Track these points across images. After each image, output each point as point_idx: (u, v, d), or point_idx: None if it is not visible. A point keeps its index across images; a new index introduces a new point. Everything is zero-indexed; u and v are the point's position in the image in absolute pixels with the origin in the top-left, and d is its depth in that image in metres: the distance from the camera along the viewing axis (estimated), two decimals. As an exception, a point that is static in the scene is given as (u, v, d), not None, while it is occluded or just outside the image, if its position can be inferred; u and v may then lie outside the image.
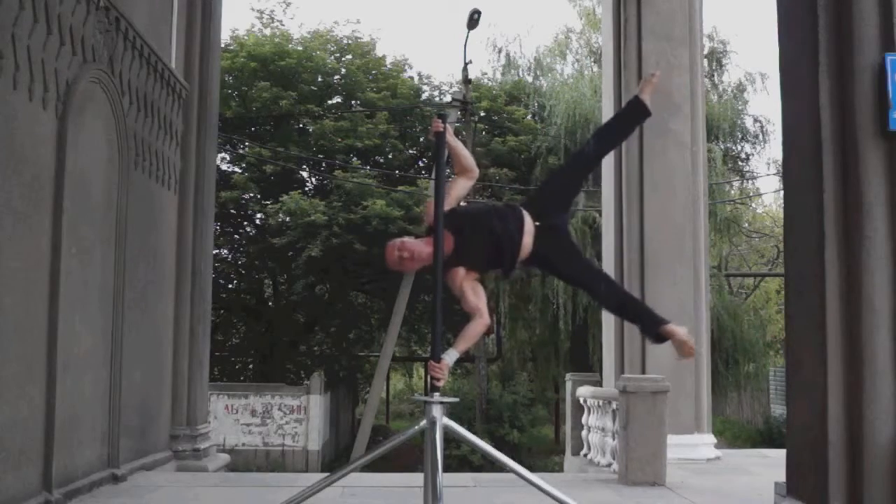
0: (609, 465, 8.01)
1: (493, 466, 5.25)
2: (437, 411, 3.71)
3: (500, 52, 22.75)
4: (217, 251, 19.11)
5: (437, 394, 3.78)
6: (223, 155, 19.75)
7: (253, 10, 36.24)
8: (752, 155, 23.19)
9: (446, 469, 4.84)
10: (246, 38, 20.77)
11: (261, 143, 19.70)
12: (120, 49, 6.79)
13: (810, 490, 4.40)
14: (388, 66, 21.48)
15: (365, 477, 7.37)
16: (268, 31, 21.18)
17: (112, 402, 6.60)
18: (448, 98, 19.88)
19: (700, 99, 9.59)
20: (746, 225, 26.15)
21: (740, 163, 23.31)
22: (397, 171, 20.64)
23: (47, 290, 5.48)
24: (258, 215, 20.38)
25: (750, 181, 24.96)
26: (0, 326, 4.89)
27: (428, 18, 60.92)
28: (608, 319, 9.63)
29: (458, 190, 4.22)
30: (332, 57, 21.14)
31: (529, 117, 21.53)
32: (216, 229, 15.58)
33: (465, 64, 17.92)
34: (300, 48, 20.59)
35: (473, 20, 16.83)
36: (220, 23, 9.30)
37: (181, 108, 8.39)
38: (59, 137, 5.66)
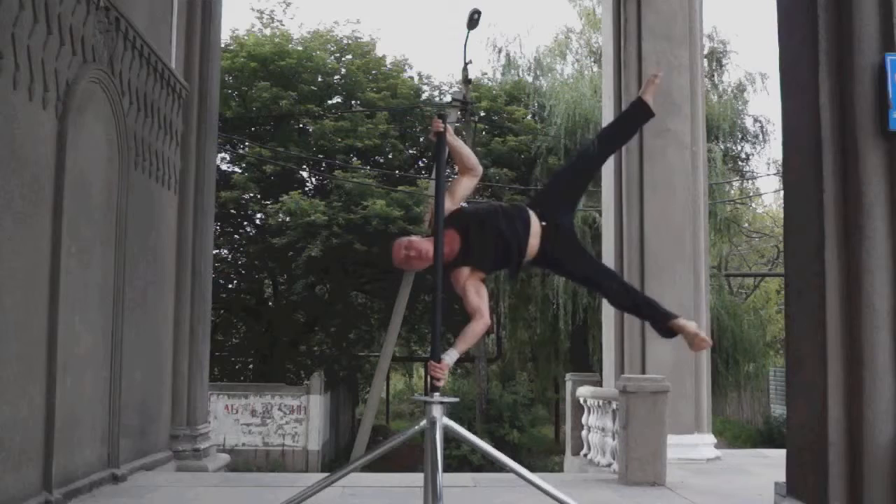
0: (609, 465, 8.01)
1: (493, 466, 5.25)
2: (437, 411, 3.71)
3: (500, 52, 22.77)
4: (217, 251, 19.11)
5: (437, 394, 3.78)
6: (223, 155, 19.75)
7: (253, 10, 36.35)
8: (752, 155, 23.21)
9: (446, 469, 4.84)
10: (246, 38, 20.77)
11: (261, 143, 19.70)
12: (120, 49, 6.79)
13: (810, 490, 4.40)
14: (388, 66, 21.48)
15: (365, 477, 7.37)
16: (268, 31, 21.18)
17: (112, 402, 6.60)
18: (448, 98, 19.86)
19: (700, 99, 9.59)
20: (746, 225, 26.16)
21: (740, 163, 23.31)
22: (397, 171, 20.64)
23: (47, 290, 5.48)
24: (258, 215, 20.38)
25: (750, 181, 24.99)
26: (0, 326, 4.89)
27: (428, 18, 60.97)
28: (608, 319, 9.63)
29: (462, 189, 4.22)
30: (332, 57, 21.14)
31: (529, 117, 21.53)
32: (216, 229, 15.57)
33: (465, 64, 17.90)
34: (300, 48, 20.58)
35: (473, 20, 16.81)
36: (220, 23, 9.30)
37: (181, 108, 8.39)
38: (59, 137, 5.66)
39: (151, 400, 7.67)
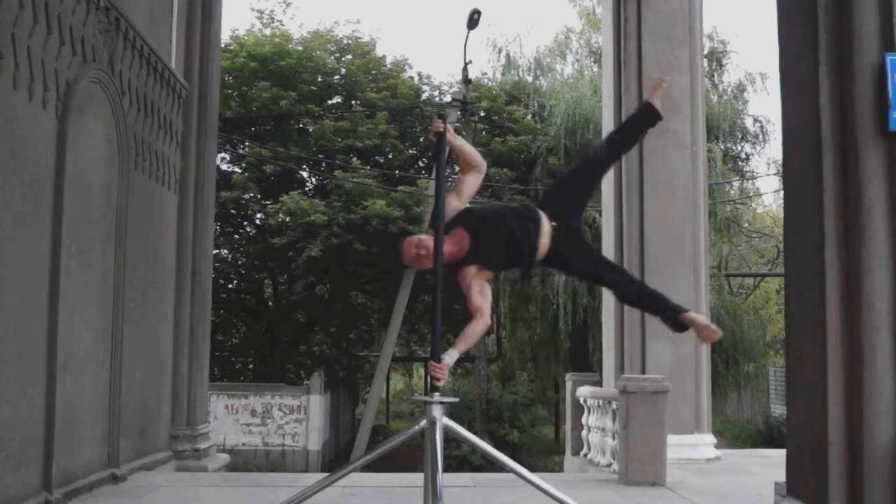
0: (609, 465, 8.01)
1: (493, 466, 5.25)
2: (437, 411, 3.70)
3: (500, 52, 22.75)
4: (217, 251, 19.11)
5: (437, 394, 3.78)
6: (223, 155, 19.75)
7: (253, 10, 36.34)
8: (752, 155, 23.20)
9: (446, 469, 4.84)
10: (246, 38, 20.77)
11: (261, 143, 19.70)
12: (120, 49, 6.79)
13: (810, 490, 4.40)
14: (388, 66, 21.48)
15: (365, 477, 7.37)
16: (268, 31, 21.19)
17: (112, 402, 6.60)
18: (448, 98, 19.86)
19: (700, 99, 9.59)
20: (746, 225, 26.16)
21: (740, 163, 23.31)
22: (397, 171, 20.64)
23: (47, 290, 5.48)
24: (258, 215, 20.39)
25: (750, 181, 24.99)
26: (0, 326, 4.89)
27: (428, 18, 60.97)
28: (608, 319, 9.63)
29: (469, 187, 4.22)
30: (332, 57, 21.14)
31: (529, 117, 21.53)
32: (216, 229, 15.57)
33: (465, 64, 17.90)
34: (300, 48, 20.59)
35: (473, 20, 16.81)
36: (220, 23, 9.30)
37: (181, 108, 8.39)
38: (59, 137, 5.66)
39: (151, 400, 7.67)
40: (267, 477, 9.60)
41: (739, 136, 22.06)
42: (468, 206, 4.18)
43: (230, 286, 20.91)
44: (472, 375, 21.11)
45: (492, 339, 23.32)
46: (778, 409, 21.39)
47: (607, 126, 9.96)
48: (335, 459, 18.82)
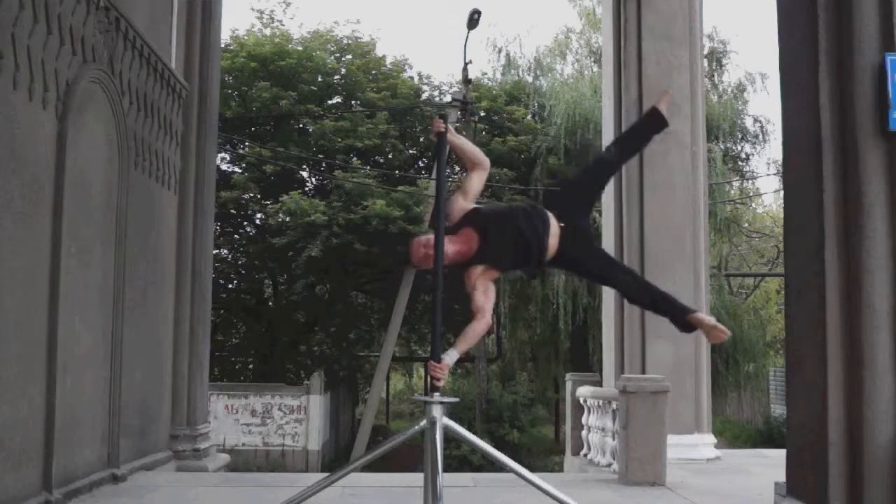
0: (609, 465, 8.01)
1: (493, 466, 5.25)
2: (437, 411, 3.71)
3: (500, 52, 22.76)
4: (217, 251, 19.10)
5: (437, 394, 3.78)
6: (223, 155, 19.74)
7: (253, 10, 36.31)
8: (752, 155, 23.21)
9: (446, 469, 4.84)
10: (246, 38, 20.76)
11: (261, 143, 19.69)
12: (120, 49, 6.79)
13: (810, 490, 4.40)
14: (388, 66, 21.47)
15: (365, 477, 7.37)
16: (268, 31, 21.18)
17: (112, 402, 6.60)
18: (448, 98, 19.87)
19: (700, 99, 9.60)
20: (746, 225, 26.15)
21: (740, 163, 23.31)
22: (397, 171, 20.63)
23: (47, 290, 5.48)
24: (258, 215, 20.38)
25: (750, 181, 24.98)
26: (0, 326, 4.89)
27: (428, 18, 60.97)
28: (608, 319, 9.64)
29: (474, 185, 4.23)
30: (332, 57, 21.13)
31: (529, 117, 21.52)
32: (216, 229, 15.57)
33: (465, 64, 17.90)
34: (300, 48, 20.58)
35: (473, 20, 16.81)
36: (220, 23, 9.30)
37: (181, 108, 8.39)
38: (59, 137, 5.66)
39: (151, 400, 7.67)
40: (267, 477, 9.60)
41: (739, 136, 22.06)
42: (475, 206, 4.19)
43: (230, 286, 20.91)
44: (472, 375, 21.10)
45: (492, 339, 23.32)
46: (778, 409, 21.40)
47: (607, 126, 9.97)
48: (335, 459, 18.82)
